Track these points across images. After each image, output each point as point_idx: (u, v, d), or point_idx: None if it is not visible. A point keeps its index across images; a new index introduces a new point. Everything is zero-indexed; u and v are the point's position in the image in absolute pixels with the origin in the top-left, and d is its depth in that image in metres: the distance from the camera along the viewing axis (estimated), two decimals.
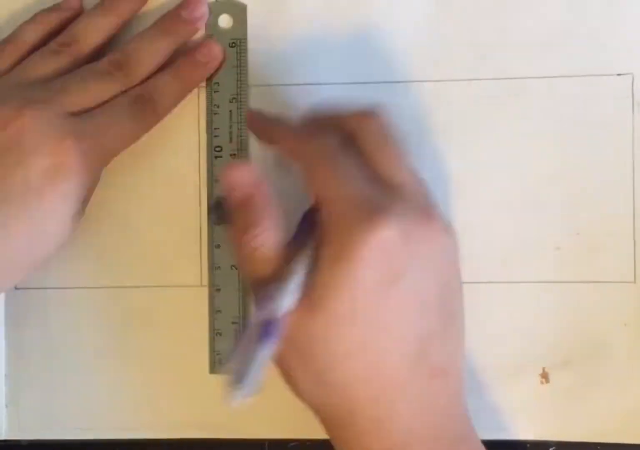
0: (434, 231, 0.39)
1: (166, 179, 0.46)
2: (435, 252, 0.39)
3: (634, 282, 0.45)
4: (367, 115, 0.41)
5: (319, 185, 0.39)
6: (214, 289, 0.46)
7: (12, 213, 0.40)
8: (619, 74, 0.45)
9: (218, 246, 0.46)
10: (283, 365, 0.40)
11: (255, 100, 0.46)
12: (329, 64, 0.46)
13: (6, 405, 0.47)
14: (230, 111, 0.46)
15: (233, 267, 0.45)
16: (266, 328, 0.37)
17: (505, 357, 0.45)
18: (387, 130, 0.41)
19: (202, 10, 0.45)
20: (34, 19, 0.46)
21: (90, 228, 0.46)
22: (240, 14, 0.46)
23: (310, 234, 0.39)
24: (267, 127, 0.43)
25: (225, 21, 0.46)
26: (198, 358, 0.46)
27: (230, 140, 0.46)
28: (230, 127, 0.46)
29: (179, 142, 0.46)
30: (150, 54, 0.44)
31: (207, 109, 0.46)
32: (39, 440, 0.47)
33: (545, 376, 0.45)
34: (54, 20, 0.45)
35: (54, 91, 0.42)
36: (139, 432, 0.47)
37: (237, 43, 0.46)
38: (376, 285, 0.37)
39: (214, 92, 0.46)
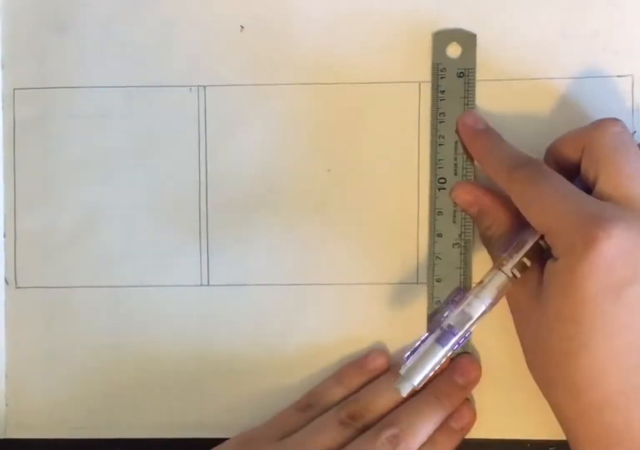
0: None
1: (168, 179, 0.47)
2: None
3: None
4: (601, 126, 0.41)
5: (536, 210, 0.40)
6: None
7: None
8: (619, 76, 0.45)
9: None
10: (523, 345, 0.41)
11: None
12: (330, 62, 0.46)
13: (6, 404, 0.47)
14: (456, 142, 0.45)
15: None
16: (448, 335, 0.40)
17: (507, 357, 0.45)
18: (621, 138, 0.40)
19: (478, 374, 0.45)
20: (339, 378, 0.45)
21: (91, 228, 0.46)
22: (469, 43, 0.45)
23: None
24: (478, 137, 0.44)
25: (454, 50, 0.45)
26: (198, 357, 0.46)
27: (455, 172, 0.45)
28: (455, 159, 0.45)
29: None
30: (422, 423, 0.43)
31: (432, 139, 0.45)
32: (39, 439, 0.47)
33: None
34: (358, 382, 0.45)
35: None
36: (138, 432, 0.47)
37: (465, 73, 0.45)
38: (599, 295, 0.37)
39: (440, 122, 0.45)
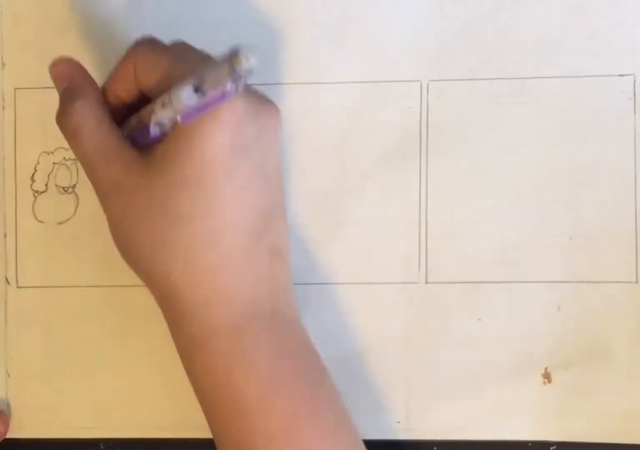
0: (274, 109, 0.40)
1: None
2: (276, 130, 0.40)
3: (636, 282, 0.45)
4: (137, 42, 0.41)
5: (161, 70, 0.39)
6: None
7: None
8: (620, 75, 0.45)
9: None
10: (122, 233, 0.40)
11: None
12: (331, 62, 0.46)
13: (8, 404, 0.47)
14: None
15: None
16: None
17: (508, 357, 0.45)
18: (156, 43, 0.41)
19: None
20: None
21: (91, 227, 0.46)
22: None
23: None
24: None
25: None
26: None
27: None
28: None
29: None
30: None
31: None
32: (41, 439, 0.47)
33: (547, 376, 0.45)
34: None
35: None
36: (139, 431, 0.47)
37: None
38: (226, 154, 0.38)
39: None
